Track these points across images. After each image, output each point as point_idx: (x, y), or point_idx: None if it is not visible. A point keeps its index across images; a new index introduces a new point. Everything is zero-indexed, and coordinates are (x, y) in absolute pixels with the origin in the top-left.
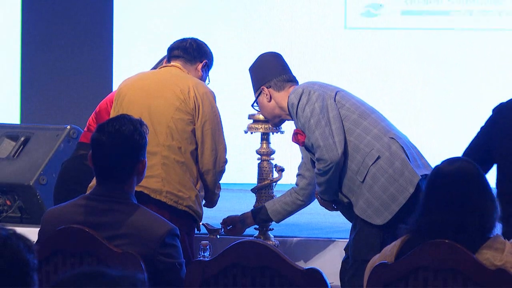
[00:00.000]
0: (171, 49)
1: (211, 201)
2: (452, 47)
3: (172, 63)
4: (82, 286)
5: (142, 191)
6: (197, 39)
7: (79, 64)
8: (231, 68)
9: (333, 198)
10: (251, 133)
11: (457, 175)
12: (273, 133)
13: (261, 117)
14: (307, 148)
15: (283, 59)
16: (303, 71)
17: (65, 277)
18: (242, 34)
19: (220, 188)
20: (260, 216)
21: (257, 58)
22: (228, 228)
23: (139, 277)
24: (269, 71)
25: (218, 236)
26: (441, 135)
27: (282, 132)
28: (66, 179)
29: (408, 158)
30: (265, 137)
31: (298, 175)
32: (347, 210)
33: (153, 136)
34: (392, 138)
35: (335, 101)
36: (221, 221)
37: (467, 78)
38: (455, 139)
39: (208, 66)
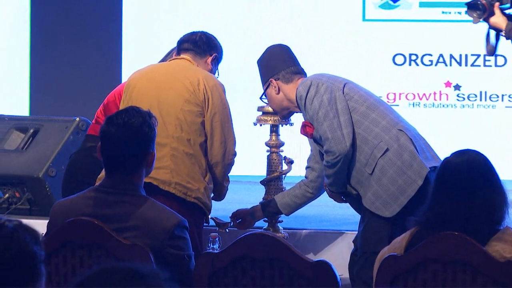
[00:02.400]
0: (180, 42)
1: (220, 194)
2: (470, 39)
3: (181, 56)
4: (114, 282)
5: (151, 182)
6: (207, 32)
7: (88, 56)
8: (241, 60)
9: (342, 190)
10: (260, 125)
11: (466, 167)
12: (282, 125)
13: (270, 109)
14: (316, 140)
15: (291, 51)
16: (320, 64)
17: (93, 272)
18: (254, 26)
19: (229, 181)
20: (269, 209)
21: (265, 51)
22: (237, 221)
23: (166, 275)
24: (277, 63)
25: (227, 230)
26: (462, 127)
27: (291, 124)
28: (74, 171)
29: (417, 150)
30: (274, 129)
31: (307, 167)
32: (356, 202)
33: (162, 128)
34: (401, 130)
35: (343, 93)
36: (230, 214)
37: (487, 69)
38: (475, 131)
39: (217, 60)
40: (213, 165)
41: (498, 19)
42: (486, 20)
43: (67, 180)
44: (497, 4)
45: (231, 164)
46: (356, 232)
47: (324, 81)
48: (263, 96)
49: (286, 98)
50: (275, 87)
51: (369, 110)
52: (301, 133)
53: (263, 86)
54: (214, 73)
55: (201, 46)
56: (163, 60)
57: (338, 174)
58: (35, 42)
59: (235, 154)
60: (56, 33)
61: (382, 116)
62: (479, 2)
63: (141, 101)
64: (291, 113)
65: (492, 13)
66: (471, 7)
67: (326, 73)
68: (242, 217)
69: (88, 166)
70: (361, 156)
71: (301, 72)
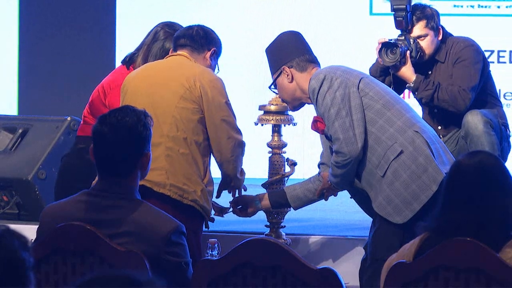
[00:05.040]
0: (176, 38)
1: (239, 188)
2: (483, 33)
3: (178, 52)
4: None
5: (144, 184)
6: (204, 26)
7: (80, 52)
8: (241, 55)
9: (347, 189)
10: (262, 125)
11: (478, 170)
12: (285, 125)
13: (272, 108)
14: (327, 136)
15: (304, 39)
16: (327, 59)
17: (86, 280)
18: (256, 20)
19: (244, 173)
20: (277, 199)
21: (276, 38)
22: (238, 207)
23: (163, 283)
24: (291, 50)
25: (224, 215)
26: None
27: (294, 124)
28: (66, 176)
29: (433, 154)
30: (276, 129)
31: (321, 163)
32: (364, 202)
33: (156, 127)
34: (417, 131)
35: (358, 89)
36: (231, 200)
37: (501, 66)
38: None
39: (217, 54)
40: (224, 162)
41: (409, 70)
42: (395, 67)
43: (60, 185)
44: (408, 52)
45: (242, 152)
46: (365, 238)
47: (339, 75)
48: (272, 86)
49: (299, 88)
50: (288, 75)
51: (385, 108)
52: (311, 128)
53: (272, 75)
54: (213, 69)
55: (199, 41)
56: (140, 45)
57: (346, 175)
58: (24, 35)
59: (244, 143)
60: (46, 26)
61: (398, 115)
62: (399, 45)
63: (135, 100)
64: (302, 104)
65: (404, 62)
66: (388, 47)
67: (342, 65)
68: (245, 203)
69: (81, 169)
70: (373, 156)
71: (315, 61)
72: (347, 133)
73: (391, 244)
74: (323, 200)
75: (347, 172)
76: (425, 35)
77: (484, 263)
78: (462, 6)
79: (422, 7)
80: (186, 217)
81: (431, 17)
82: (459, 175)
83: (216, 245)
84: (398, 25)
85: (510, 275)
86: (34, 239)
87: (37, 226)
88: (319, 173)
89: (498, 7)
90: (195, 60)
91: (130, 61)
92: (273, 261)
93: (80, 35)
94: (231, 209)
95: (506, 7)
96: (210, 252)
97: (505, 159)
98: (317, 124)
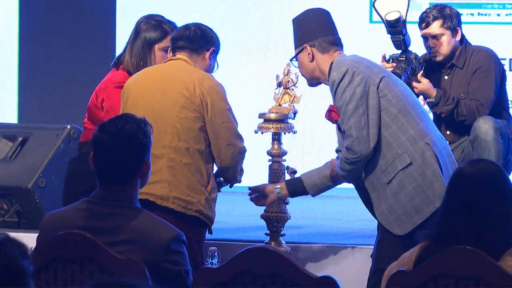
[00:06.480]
0: (174, 39)
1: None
2: (483, 40)
3: (177, 56)
4: None
5: (147, 198)
6: (201, 24)
7: (80, 61)
8: (241, 62)
9: (352, 182)
10: (262, 133)
11: (479, 177)
12: (285, 133)
13: (272, 116)
14: (339, 127)
15: (332, 18)
16: None
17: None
18: (257, 27)
19: (243, 172)
20: (295, 189)
21: (304, 12)
22: (254, 195)
23: None
24: (315, 29)
25: (220, 190)
26: None
27: (294, 132)
28: (72, 182)
29: (441, 169)
30: (276, 137)
31: (338, 150)
32: (368, 196)
33: (157, 137)
34: (428, 144)
35: (378, 88)
36: (252, 186)
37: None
38: None
39: (215, 53)
40: (224, 168)
41: (428, 86)
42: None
43: (67, 192)
44: (421, 73)
45: (242, 159)
46: (365, 246)
47: (361, 70)
48: (294, 60)
49: (318, 68)
50: (309, 54)
51: (400, 114)
52: (325, 117)
53: (295, 49)
54: (213, 67)
55: (197, 42)
56: (127, 42)
57: (354, 171)
58: (24, 42)
59: (245, 150)
60: (46, 33)
61: (412, 124)
62: (400, 75)
63: (137, 109)
64: (319, 83)
65: (417, 81)
66: None
67: (365, 58)
68: (263, 192)
69: (85, 173)
70: (382, 160)
71: (338, 44)
72: (361, 132)
73: (393, 254)
74: (325, 207)
75: (356, 168)
76: (441, 35)
77: (484, 271)
78: (462, 14)
79: (441, 7)
80: (190, 226)
81: (448, 17)
82: (460, 182)
83: (216, 254)
84: (397, 47)
85: (510, 283)
86: (34, 247)
87: (37, 234)
88: (337, 158)
89: (498, 15)
90: (195, 62)
91: (118, 63)
92: (272, 269)
93: (80, 42)
94: (225, 185)
95: (506, 15)
96: (210, 261)
97: (509, 171)
98: (332, 114)
